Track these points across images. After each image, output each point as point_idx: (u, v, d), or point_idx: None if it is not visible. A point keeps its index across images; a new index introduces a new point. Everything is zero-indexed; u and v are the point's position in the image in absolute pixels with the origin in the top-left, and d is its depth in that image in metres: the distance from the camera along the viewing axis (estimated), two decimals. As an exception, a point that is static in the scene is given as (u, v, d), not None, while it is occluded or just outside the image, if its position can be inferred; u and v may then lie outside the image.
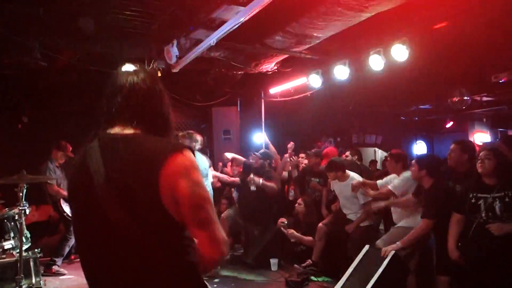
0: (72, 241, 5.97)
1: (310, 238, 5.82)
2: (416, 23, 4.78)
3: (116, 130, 1.51)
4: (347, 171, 5.44)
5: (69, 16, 5.01)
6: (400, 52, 5.08)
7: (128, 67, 1.62)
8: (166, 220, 1.40)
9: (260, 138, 8.52)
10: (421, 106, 9.90)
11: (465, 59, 5.65)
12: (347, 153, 6.76)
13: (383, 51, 5.30)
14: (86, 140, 1.54)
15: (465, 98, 7.57)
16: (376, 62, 5.45)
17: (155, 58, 5.76)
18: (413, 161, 4.46)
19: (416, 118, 11.01)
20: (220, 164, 7.67)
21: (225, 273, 5.78)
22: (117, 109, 1.52)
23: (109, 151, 1.45)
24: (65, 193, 5.96)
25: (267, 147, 7.87)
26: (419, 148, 12.18)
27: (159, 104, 1.57)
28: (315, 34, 4.91)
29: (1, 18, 4.68)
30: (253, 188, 6.09)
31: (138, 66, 1.64)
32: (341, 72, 6.02)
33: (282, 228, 6.02)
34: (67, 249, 5.96)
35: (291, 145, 6.74)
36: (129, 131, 1.50)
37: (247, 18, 3.87)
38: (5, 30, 4.65)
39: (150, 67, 5.98)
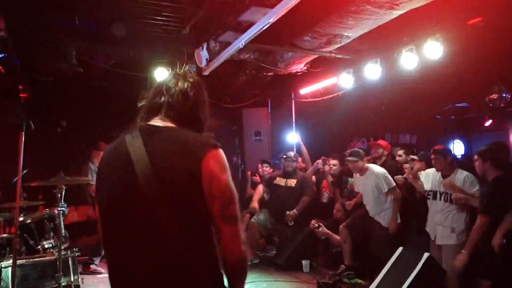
0: None
1: (339, 237, 5.77)
2: (450, 19, 4.63)
3: (156, 121, 1.62)
4: (366, 163, 5.38)
5: (103, 23, 5.18)
6: (434, 49, 4.94)
7: (180, 72, 1.77)
8: (203, 210, 1.47)
9: (293, 138, 8.51)
10: (458, 104, 9.56)
11: (502, 55, 5.42)
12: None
13: (416, 48, 5.16)
14: (126, 129, 1.62)
15: (504, 95, 7.26)
16: (408, 60, 5.32)
17: (186, 61, 5.85)
18: (475, 156, 4.21)
19: (453, 117, 10.64)
20: (249, 173, 7.74)
21: (257, 274, 5.80)
22: (160, 104, 1.64)
23: (151, 139, 1.54)
24: None
25: (298, 148, 7.87)
26: (457, 147, 11.79)
27: (199, 108, 1.69)
28: (345, 34, 4.84)
29: (39, 27, 4.90)
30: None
31: (188, 72, 1.80)
32: (373, 71, 5.92)
33: (314, 228, 5.98)
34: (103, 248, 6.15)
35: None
36: (169, 124, 1.61)
37: (275, 19, 3.88)
38: (43, 39, 4.86)
39: (181, 70, 6.10)
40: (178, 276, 1.45)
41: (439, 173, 4.69)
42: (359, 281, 5.22)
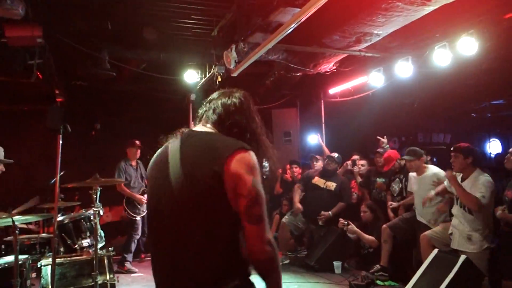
0: (137, 238, 6.30)
1: (370, 237, 5.69)
2: (484, 13, 4.48)
3: (198, 127, 1.75)
4: (425, 164, 5.21)
5: (134, 28, 5.31)
6: (468, 45, 4.79)
7: (228, 89, 1.87)
8: (227, 209, 1.51)
9: (313, 139, 8.45)
10: (494, 102, 9.23)
11: (541, 49, 5.21)
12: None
13: (449, 45, 5.03)
14: (173, 134, 1.77)
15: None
16: (441, 57, 5.19)
17: (215, 63, 5.91)
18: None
19: (489, 115, 10.29)
20: (280, 170, 7.71)
21: (287, 275, 5.78)
22: (205, 113, 1.79)
23: (186, 143, 1.65)
24: (131, 192, 6.30)
25: (320, 149, 7.83)
26: (494, 146, 11.40)
27: (244, 120, 1.76)
28: (374, 32, 4.77)
29: (74, 33, 5.06)
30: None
31: (232, 89, 1.89)
32: (404, 69, 5.80)
33: (343, 227, 5.93)
34: (133, 246, 6.29)
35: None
36: (208, 129, 1.72)
37: (303, 19, 3.85)
38: (77, 44, 5.02)
39: (211, 72, 6.17)
40: (202, 273, 1.52)
41: (460, 175, 4.45)
42: (393, 283, 5.13)
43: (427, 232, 4.84)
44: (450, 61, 5.14)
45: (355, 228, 5.83)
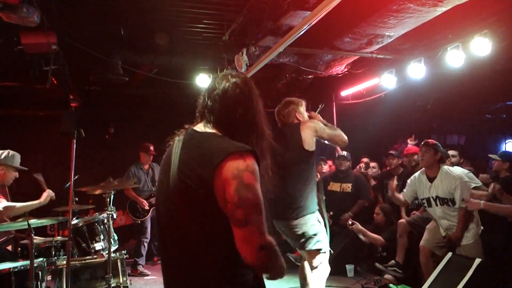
0: (146, 241, 6.35)
1: (376, 235, 5.65)
2: (498, 13, 4.42)
3: (199, 127, 1.68)
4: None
5: (146, 33, 5.37)
6: (482, 46, 4.73)
7: (225, 73, 1.77)
8: (219, 215, 1.50)
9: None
10: (509, 103, 9.09)
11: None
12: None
13: (462, 45, 4.97)
14: (179, 133, 1.74)
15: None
16: (454, 58, 5.12)
17: (226, 67, 5.94)
18: None
19: (504, 116, 10.13)
20: None
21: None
22: (204, 109, 1.70)
23: (186, 145, 1.63)
24: (135, 195, 6.36)
25: (331, 148, 7.77)
26: (509, 147, 11.22)
27: (245, 110, 1.67)
28: (386, 33, 4.75)
29: (87, 39, 5.15)
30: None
31: (233, 72, 1.78)
32: (416, 70, 5.75)
33: (348, 226, 5.91)
34: (143, 249, 6.34)
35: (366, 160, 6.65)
36: (209, 130, 1.65)
37: (314, 22, 3.86)
38: (90, 50, 5.10)
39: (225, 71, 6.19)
40: (196, 276, 1.56)
41: (424, 175, 4.61)
42: (406, 286, 5.07)
43: (423, 243, 4.77)
44: (463, 62, 5.07)
45: (360, 227, 5.80)
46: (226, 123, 1.65)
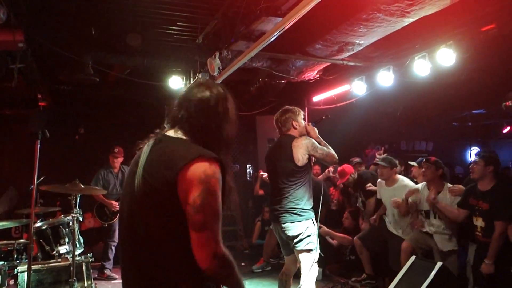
0: (113, 244, 6.25)
1: (343, 235, 5.76)
2: (462, 25, 4.59)
3: (170, 132, 1.70)
4: (397, 174, 5.29)
5: (118, 33, 5.31)
6: (447, 56, 4.90)
7: (203, 81, 1.83)
8: (179, 216, 1.51)
9: None
10: (474, 111, 9.43)
11: (516, 61, 5.35)
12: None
13: (428, 55, 5.13)
14: (149, 138, 1.74)
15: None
16: (421, 67, 5.29)
17: (199, 70, 5.94)
18: (477, 158, 4.21)
19: (470, 124, 10.50)
20: (260, 171, 7.73)
21: (269, 281, 5.80)
22: (177, 115, 1.70)
23: (154, 148, 1.64)
24: (103, 198, 6.25)
25: None
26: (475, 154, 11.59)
27: (219, 123, 1.70)
28: (356, 41, 4.85)
29: (56, 37, 5.05)
30: None
31: (212, 84, 1.80)
32: (385, 78, 5.90)
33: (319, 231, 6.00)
34: (110, 253, 6.24)
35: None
36: (179, 135, 1.66)
37: (285, 28, 3.91)
38: (60, 49, 5.00)
39: (195, 78, 6.18)
40: (154, 279, 1.56)
41: (426, 189, 4.77)
42: (372, 289, 5.19)
43: (408, 240, 4.92)
44: (429, 71, 5.23)
45: (327, 229, 5.90)
46: (198, 132, 1.66)
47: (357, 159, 6.89)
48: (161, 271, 1.55)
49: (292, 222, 3.68)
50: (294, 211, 3.69)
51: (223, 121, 1.71)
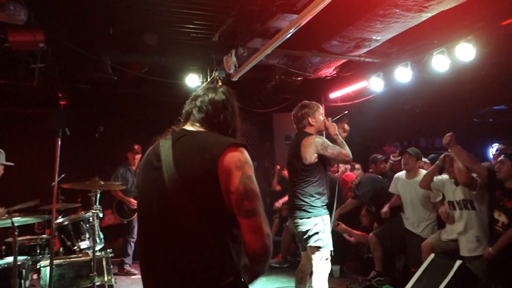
0: (132, 240, 6.34)
1: (360, 232, 5.73)
2: (482, 20, 4.50)
3: (188, 126, 1.81)
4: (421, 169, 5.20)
5: (136, 32, 5.38)
6: (466, 51, 4.81)
7: (213, 85, 1.97)
8: (220, 206, 1.55)
9: None
10: (496, 107, 9.22)
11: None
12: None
13: (447, 50, 5.05)
14: (163, 134, 1.81)
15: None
16: (440, 63, 5.21)
17: (215, 68, 5.97)
18: (503, 157, 4.08)
19: (491, 120, 10.27)
20: (278, 167, 7.75)
21: (286, 278, 5.81)
22: (192, 111, 1.84)
23: (178, 141, 1.69)
24: (122, 196, 6.34)
25: None
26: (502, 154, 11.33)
27: (228, 116, 1.85)
28: (373, 37, 4.80)
29: (75, 37, 5.14)
30: None
31: (218, 85, 1.99)
32: (403, 74, 5.83)
33: (334, 227, 5.98)
34: (130, 249, 6.34)
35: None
36: (197, 128, 1.79)
37: (300, 25, 3.90)
38: (79, 48, 5.09)
39: (212, 77, 6.23)
40: (196, 272, 1.55)
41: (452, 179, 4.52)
42: (390, 287, 5.14)
43: (429, 240, 4.83)
44: (448, 66, 5.15)
45: (345, 227, 5.89)
46: (211, 123, 1.79)
47: (380, 156, 6.77)
48: (203, 266, 1.54)
49: (301, 219, 3.75)
50: (303, 208, 3.75)
51: (233, 115, 1.87)
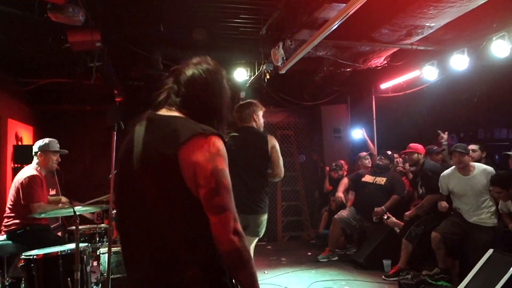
0: None
1: None
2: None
3: (163, 111, 1.67)
4: (471, 162, 5.02)
5: (185, 29, 5.51)
6: (529, 35, 4.52)
7: (195, 60, 1.78)
8: (186, 196, 1.46)
9: (358, 134, 8.31)
10: None
11: None
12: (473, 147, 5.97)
13: (508, 35, 4.76)
14: (139, 119, 1.69)
15: None
16: (500, 48, 4.92)
17: (263, 61, 5.99)
18: None
19: (558, 108, 9.54)
20: (327, 168, 7.68)
21: (335, 272, 5.76)
22: (169, 93, 1.69)
23: (151, 127, 1.59)
24: None
25: (365, 144, 7.75)
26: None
27: (210, 95, 1.68)
28: (426, 24, 4.62)
29: (129, 36, 5.35)
30: None
31: (202, 58, 1.78)
32: (459, 61, 5.56)
33: (384, 221, 5.86)
34: None
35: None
36: (173, 113, 1.64)
37: (349, 15, 3.82)
38: (133, 46, 5.30)
39: (260, 70, 6.26)
40: (161, 259, 1.49)
41: None
42: (445, 283, 4.95)
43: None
44: (509, 52, 4.85)
45: (395, 220, 5.75)
46: (191, 106, 1.65)
47: (436, 147, 6.49)
48: (165, 257, 1.49)
49: (261, 214, 3.96)
50: (262, 204, 3.97)
51: (216, 93, 1.70)
